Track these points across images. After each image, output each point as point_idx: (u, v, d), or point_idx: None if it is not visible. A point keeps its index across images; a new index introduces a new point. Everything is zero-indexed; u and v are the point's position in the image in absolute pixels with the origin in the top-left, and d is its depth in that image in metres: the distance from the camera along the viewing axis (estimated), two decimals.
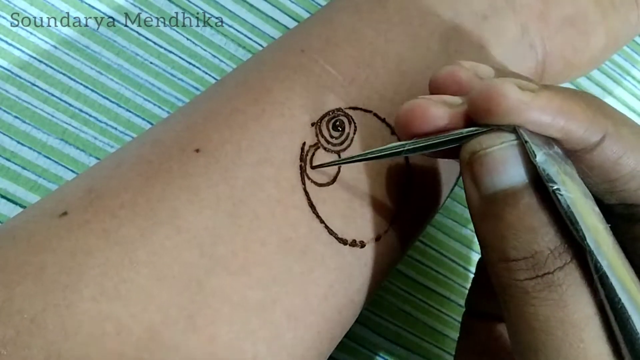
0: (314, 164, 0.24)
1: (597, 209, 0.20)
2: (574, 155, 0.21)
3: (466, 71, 0.23)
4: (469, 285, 0.38)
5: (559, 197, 0.19)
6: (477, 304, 0.30)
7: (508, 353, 0.28)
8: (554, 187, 0.19)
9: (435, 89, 0.23)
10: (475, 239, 0.38)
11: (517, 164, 0.20)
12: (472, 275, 0.39)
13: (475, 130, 0.20)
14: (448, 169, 0.27)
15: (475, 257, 0.39)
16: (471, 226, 0.39)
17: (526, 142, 0.19)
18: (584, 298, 0.19)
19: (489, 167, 0.20)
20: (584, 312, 0.19)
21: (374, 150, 0.23)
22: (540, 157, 0.19)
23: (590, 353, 0.19)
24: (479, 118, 0.20)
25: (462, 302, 0.38)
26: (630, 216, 0.22)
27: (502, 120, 0.19)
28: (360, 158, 0.23)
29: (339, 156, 0.24)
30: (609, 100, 0.43)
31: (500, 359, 0.28)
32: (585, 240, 0.19)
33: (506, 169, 0.20)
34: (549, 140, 0.20)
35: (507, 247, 0.20)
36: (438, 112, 0.21)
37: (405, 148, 0.21)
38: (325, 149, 0.24)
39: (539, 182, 0.20)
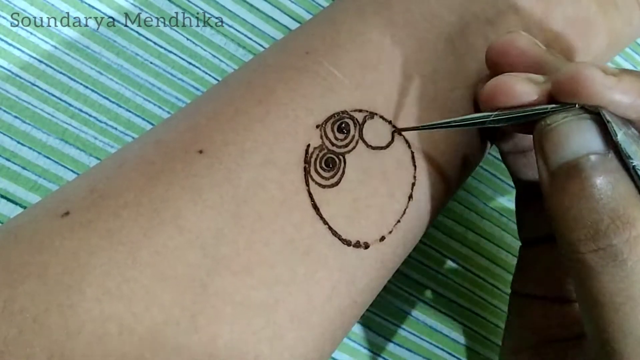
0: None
1: None
2: None
3: (525, 39, 0.25)
4: (469, 285, 0.38)
5: (638, 171, 0.20)
6: (522, 288, 0.31)
7: (558, 328, 0.29)
8: (634, 164, 0.20)
9: (495, 55, 0.25)
10: (476, 239, 0.38)
11: (579, 137, 0.21)
12: (472, 275, 0.39)
13: (559, 107, 0.22)
14: (452, 169, 0.27)
15: (476, 257, 0.39)
16: (473, 227, 0.39)
17: (608, 122, 0.21)
18: None
19: (553, 141, 0.21)
20: None
21: (458, 118, 0.24)
22: (620, 136, 0.20)
23: None
24: (563, 98, 0.22)
25: (462, 302, 0.38)
26: None
27: (587, 101, 0.21)
28: (444, 124, 0.24)
29: (344, 159, 0.24)
30: None
31: (550, 335, 0.29)
32: None
33: (569, 141, 0.21)
34: (626, 122, 0.22)
35: (570, 218, 0.20)
36: (524, 88, 0.23)
37: (490, 119, 0.23)
38: (329, 150, 0.24)
39: (605, 157, 0.21)
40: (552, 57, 0.25)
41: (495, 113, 0.23)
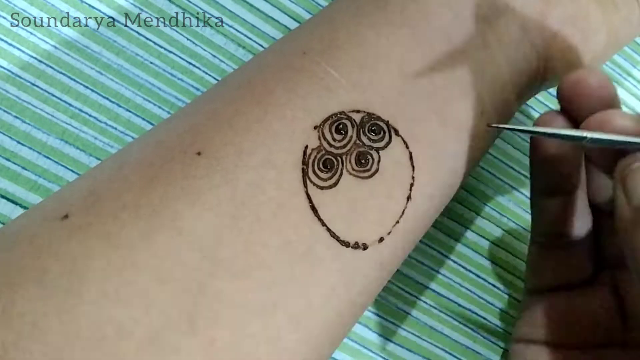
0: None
1: None
2: None
3: (599, 76, 0.26)
4: (469, 285, 0.38)
5: None
6: (543, 279, 0.33)
7: (566, 323, 0.31)
8: None
9: (569, 90, 0.27)
10: (476, 239, 0.38)
11: None
12: (472, 275, 0.39)
13: None
14: (451, 170, 0.27)
15: (477, 257, 0.39)
16: (473, 227, 0.39)
17: None
18: None
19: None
20: None
21: (555, 130, 0.25)
22: None
23: None
24: None
25: (462, 301, 0.38)
26: None
27: None
28: (540, 132, 0.25)
29: (342, 160, 0.24)
30: None
31: (558, 329, 0.31)
32: None
33: None
34: None
35: None
36: (625, 123, 0.24)
37: (588, 137, 0.24)
38: (327, 152, 0.24)
39: None
40: (619, 101, 0.26)
41: (596, 135, 0.24)
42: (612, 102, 0.26)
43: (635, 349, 0.31)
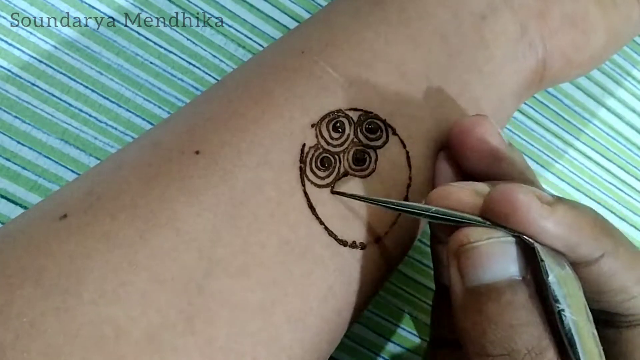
0: (334, 189, 0.24)
1: (595, 332, 0.21)
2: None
3: (489, 125, 0.25)
4: None
5: (563, 318, 0.20)
6: (441, 332, 0.30)
7: None
8: (560, 308, 0.20)
9: (458, 133, 0.25)
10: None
11: (502, 260, 0.21)
12: None
13: (488, 225, 0.21)
14: None
15: None
16: None
17: (542, 260, 0.20)
18: None
19: (474, 260, 0.21)
20: None
21: (400, 202, 0.24)
22: (552, 278, 0.20)
23: None
24: (493, 218, 0.21)
25: None
26: (609, 322, 0.24)
27: (517, 227, 0.21)
28: (381, 203, 0.24)
29: (339, 158, 0.24)
30: (609, 100, 0.43)
31: None
32: None
33: (491, 264, 0.21)
34: (559, 258, 0.21)
35: (486, 342, 0.20)
36: (466, 198, 0.22)
37: (428, 213, 0.22)
38: (325, 150, 0.24)
39: (524, 282, 0.21)
40: (510, 154, 0.25)
41: (435, 209, 0.22)
42: (494, 156, 0.25)
43: None
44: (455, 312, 0.22)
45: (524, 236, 0.21)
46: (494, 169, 0.25)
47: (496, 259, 0.21)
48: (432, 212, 0.22)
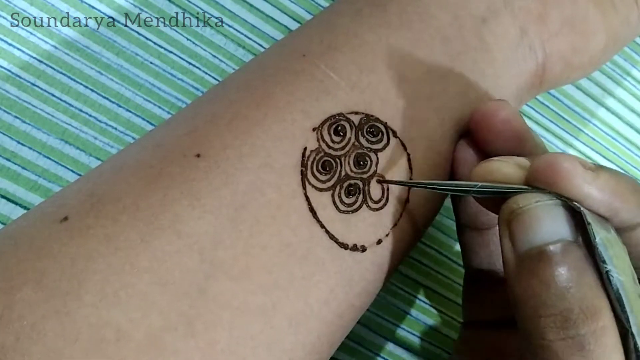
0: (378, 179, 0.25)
1: None
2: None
3: (510, 109, 0.26)
4: None
5: (611, 278, 0.20)
6: (473, 314, 0.31)
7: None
8: (607, 269, 0.20)
9: (480, 119, 0.26)
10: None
11: (552, 222, 0.21)
12: None
13: (534, 190, 0.22)
14: (449, 171, 0.27)
15: None
16: None
17: (589, 223, 0.21)
18: None
19: (525, 224, 0.21)
20: None
21: (445, 182, 0.25)
22: (599, 240, 0.20)
23: None
24: (539, 185, 0.22)
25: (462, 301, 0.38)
26: None
27: (563, 192, 0.21)
28: (427, 186, 0.25)
29: (340, 162, 0.24)
30: (609, 101, 0.43)
31: None
32: (629, 322, 0.20)
33: (542, 226, 0.21)
34: (604, 222, 0.22)
35: (539, 304, 0.20)
36: (509, 170, 0.23)
37: (475, 189, 0.23)
38: (326, 154, 0.24)
39: (576, 244, 0.21)
40: (531, 134, 0.26)
41: (481, 184, 0.23)
42: (519, 136, 0.26)
43: None
44: (508, 279, 0.22)
45: (571, 201, 0.21)
46: (518, 150, 0.26)
47: (547, 222, 0.21)
48: (478, 188, 0.23)
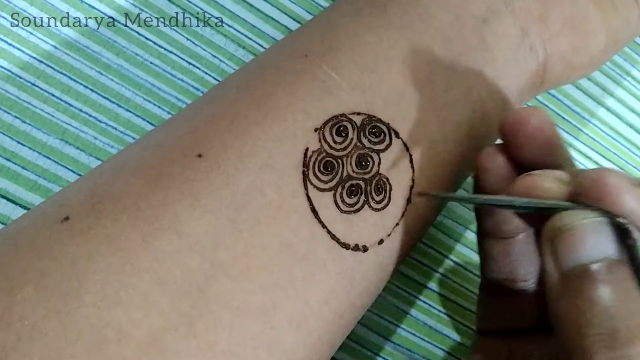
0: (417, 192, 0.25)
1: None
2: None
3: (542, 116, 0.25)
4: (468, 285, 0.38)
5: None
6: (490, 322, 0.31)
7: None
8: None
9: (511, 126, 0.25)
10: (476, 239, 0.38)
11: (598, 240, 0.21)
12: (472, 276, 0.39)
13: (580, 207, 0.22)
14: (451, 172, 0.27)
15: (476, 257, 0.39)
16: (472, 227, 0.39)
17: (636, 240, 0.20)
18: None
19: (570, 242, 0.21)
20: None
21: (483, 198, 0.25)
22: None
23: None
24: (585, 200, 0.21)
25: (462, 302, 0.38)
26: None
27: (609, 207, 0.21)
28: (467, 200, 0.24)
29: (342, 162, 0.24)
30: (609, 100, 0.43)
31: None
32: None
33: (587, 244, 0.21)
34: None
35: (583, 322, 0.20)
36: (550, 185, 0.23)
37: (517, 205, 0.23)
38: (328, 154, 0.24)
39: (622, 262, 0.21)
40: (562, 142, 0.25)
41: (523, 200, 0.23)
42: (551, 143, 0.25)
43: None
44: (551, 297, 0.22)
45: (618, 217, 0.21)
46: (549, 157, 0.25)
47: (592, 239, 0.21)
48: (521, 204, 0.23)
